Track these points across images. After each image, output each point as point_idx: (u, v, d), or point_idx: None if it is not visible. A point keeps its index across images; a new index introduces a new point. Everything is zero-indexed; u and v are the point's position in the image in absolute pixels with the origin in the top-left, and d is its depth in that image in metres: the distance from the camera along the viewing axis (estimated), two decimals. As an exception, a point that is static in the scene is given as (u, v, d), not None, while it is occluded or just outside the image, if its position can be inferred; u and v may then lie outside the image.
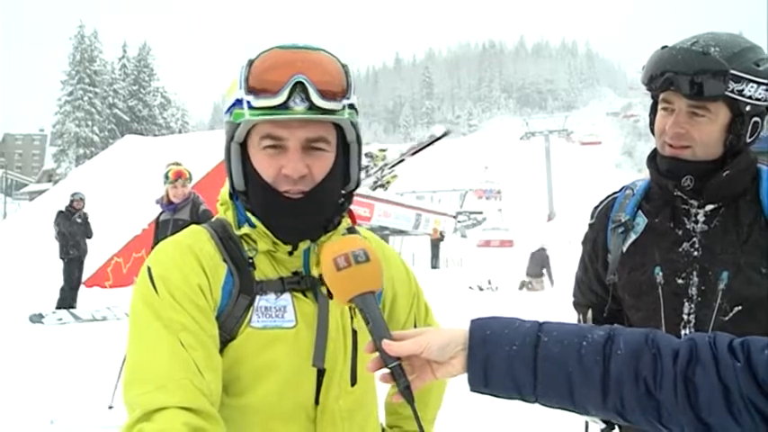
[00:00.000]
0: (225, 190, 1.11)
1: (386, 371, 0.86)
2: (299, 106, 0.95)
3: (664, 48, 1.34)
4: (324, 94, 0.96)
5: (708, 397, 0.74)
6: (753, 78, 1.27)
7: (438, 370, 0.86)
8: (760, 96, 1.29)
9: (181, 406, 0.86)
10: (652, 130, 1.44)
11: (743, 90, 1.27)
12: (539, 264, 14.98)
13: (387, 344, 0.85)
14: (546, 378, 0.80)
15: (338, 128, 1.04)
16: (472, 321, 0.86)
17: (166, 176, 5.38)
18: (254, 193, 1.02)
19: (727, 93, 1.26)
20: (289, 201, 1.00)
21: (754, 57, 1.29)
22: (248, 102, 0.96)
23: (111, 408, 4.36)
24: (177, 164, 5.49)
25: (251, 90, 0.96)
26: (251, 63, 0.97)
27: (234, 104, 1.00)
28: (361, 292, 0.89)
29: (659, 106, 1.38)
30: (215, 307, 0.99)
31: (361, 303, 0.89)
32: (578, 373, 0.79)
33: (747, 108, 1.29)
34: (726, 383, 0.73)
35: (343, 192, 1.09)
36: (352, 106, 1.02)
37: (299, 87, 0.95)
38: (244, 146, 1.03)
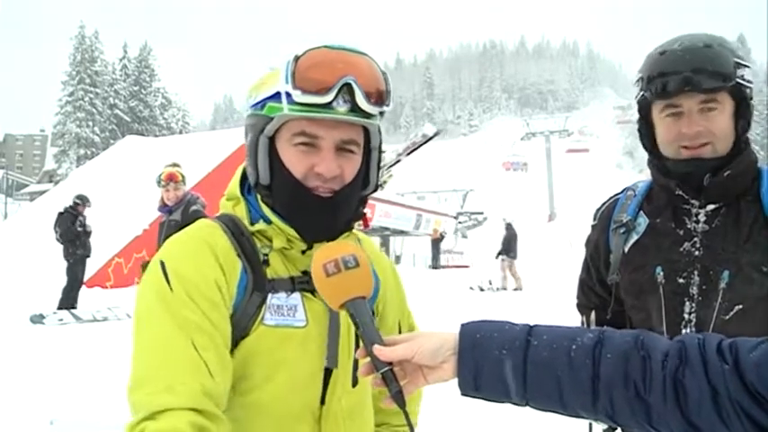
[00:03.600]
0: (233, 185, 1.11)
1: (377, 376, 0.85)
2: (341, 107, 0.97)
3: (662, 53, 1.34)
4: (369, 99, 0.98)
5: (697, 399, 0.74)
6: (746, 63, 1.32)
7: (429, 374, 0.86)
8: (751, 79, 1.33)
9: (186, 407, 0.86)
10: (644, 143, 1.45)
11: (743, 75, 1.31)
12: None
13: (378, 349, 0.85)
14: (535, 382, 0.80)
15: (365, 132, 1.06)
16: (462, 325, 0.86)
17: (159, 179, 5.37)
18: (280, 189, 1.03)
19: (737, 79, 1.29)
20: (318, 198, 1.01)
21: (731, 45, 1.34)
22: (290, 97, 0.96)
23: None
24: (174, 165, 5.46)
25: (297, 86, 0.96)
26: (297, 59, 0.98)
27: (269, 98, 1.00)
28: (352, 298, 0.89)
29: (663, 114, 1.37)
30: (230, 303, 0.99)
31: (351, 309, 0.89)
32: (567, 376, 0.79)
33: (747, 91, 1.33)
34: (714, 386, 0.73)
35: (360, 195, 1.11)
36: (382, 113, 1.04)
37: (346, 89, 0.96)
38: (271, 140, 1.03)
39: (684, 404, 0.75)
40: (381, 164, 1.13)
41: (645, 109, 1.43)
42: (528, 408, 0.84)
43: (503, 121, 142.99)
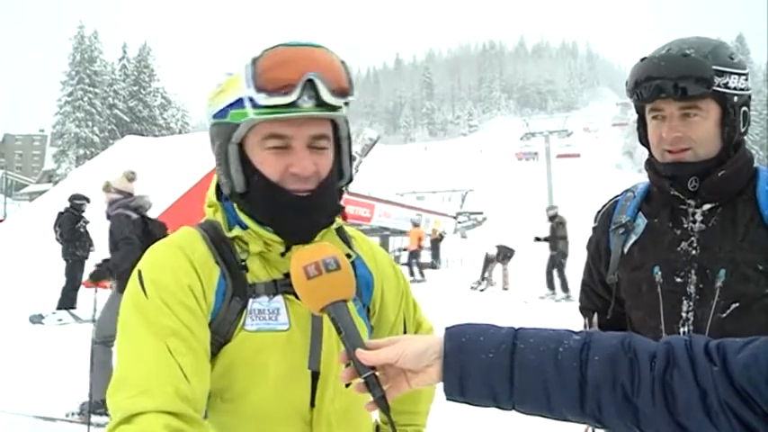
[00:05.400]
0: (211, 192, 1.10)
1: (360, 381, 0.84)
2: (306, 103, 0.95)
3: (643, 59, 1.38)
4: (333, 92, 0.97)
5: (685, 401, 0.74)
6: (733, 70, 1.33)
7: (413, 379, 0.84)
8: (742, 86, 1.35)
9: (161, 410, 0.85)
10: (643, 143, 1.47)
11: (727, 83, 1.32)
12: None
13: (361, 353, 0.83)
14: (522, 385, 0.79)
15: (332, 124, 1.04)
16: (447, 329, 0.85)
17: None
18: (258, 194, 1.01)
19: (714, 88, 1.31)
20: (298, 199, 1.00)
21: (726, 51, 1.35)
22: (253, 101, 0.95)
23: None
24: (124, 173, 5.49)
25: (260, 89, 0.94)
26: (255, 61, 0.96)
27: (231, 105, 0.98)
28: (333, 301, 0.87)
29: (649, 116, 1.41)
30: (209, 310, 0.98)
31: (333, 312, 0.87)
32: (555, 379, 0.79)
33: (735, 99, 1.34)
34: (703, 387, 0.73)
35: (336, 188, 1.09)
36: (347, 103, 1.03)
37: (309, 84, 0.95)
38: (239, 147, 1.02)
39: (673, 406, 0.74)
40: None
41: (640, 110, 1.45)
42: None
43: (502, 121, 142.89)
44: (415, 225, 17.16)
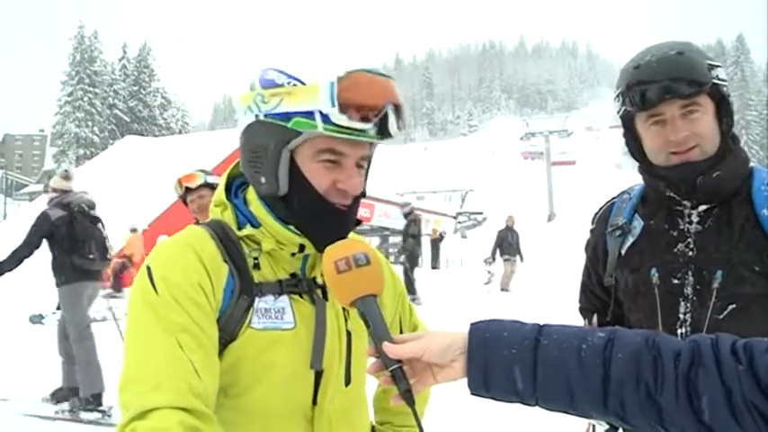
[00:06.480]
0: (220, 191, 1.11)
1: (386, 374, 0.86)
2: (372, 130, 0.99)
3: (637, 67, 1.37)
4: (397, 122, 1.02)
5: (710, 400, 0.73)
6: (716, 63, 1.35)
7: (439, 373, 0.86)
8: (725, 77, 1.37)
9: (175, 406, 0.86)
10: (633, 155, 1.47)
11: (718, 75, 1.34)
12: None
13: (388, 346, 0.85)
14: (546, 381, 0.80)
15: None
16: (471, 324, 0.86)
17: None
18: (301, 201, 1.03)
19: (713, 80, 1.32)
20: (339, 212, 1.04)
21: (700, 48, 1.38)
22: (326, 116, 0.96)
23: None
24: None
25: (343, 111, 0.96)
26: (340, 80, 0.97)
27: (299, 113, 0.98)
28: (362, 295, 0.90)
29: (646, 123, 1.39)
30: (217, 308, 1.00)
31: (362, 306, 0.89)
32: (578, 376, 0.78)
33: (725, 89, 1.36)
34: (728, 386, 0.73)
35: None
36: None
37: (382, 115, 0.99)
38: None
39: (697, 405, 0.74)
40: None
41: (629, 122, 1.44)
42: (534, 409, 0.83)
43: (502, 121, 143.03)
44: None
